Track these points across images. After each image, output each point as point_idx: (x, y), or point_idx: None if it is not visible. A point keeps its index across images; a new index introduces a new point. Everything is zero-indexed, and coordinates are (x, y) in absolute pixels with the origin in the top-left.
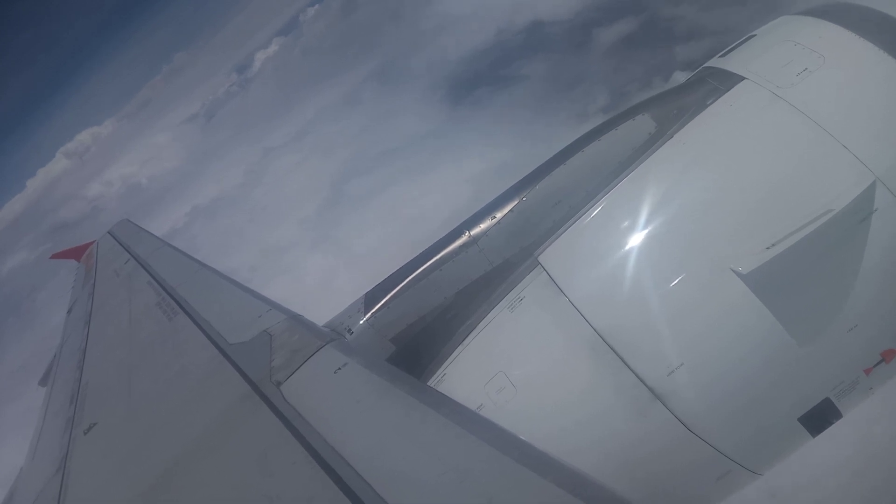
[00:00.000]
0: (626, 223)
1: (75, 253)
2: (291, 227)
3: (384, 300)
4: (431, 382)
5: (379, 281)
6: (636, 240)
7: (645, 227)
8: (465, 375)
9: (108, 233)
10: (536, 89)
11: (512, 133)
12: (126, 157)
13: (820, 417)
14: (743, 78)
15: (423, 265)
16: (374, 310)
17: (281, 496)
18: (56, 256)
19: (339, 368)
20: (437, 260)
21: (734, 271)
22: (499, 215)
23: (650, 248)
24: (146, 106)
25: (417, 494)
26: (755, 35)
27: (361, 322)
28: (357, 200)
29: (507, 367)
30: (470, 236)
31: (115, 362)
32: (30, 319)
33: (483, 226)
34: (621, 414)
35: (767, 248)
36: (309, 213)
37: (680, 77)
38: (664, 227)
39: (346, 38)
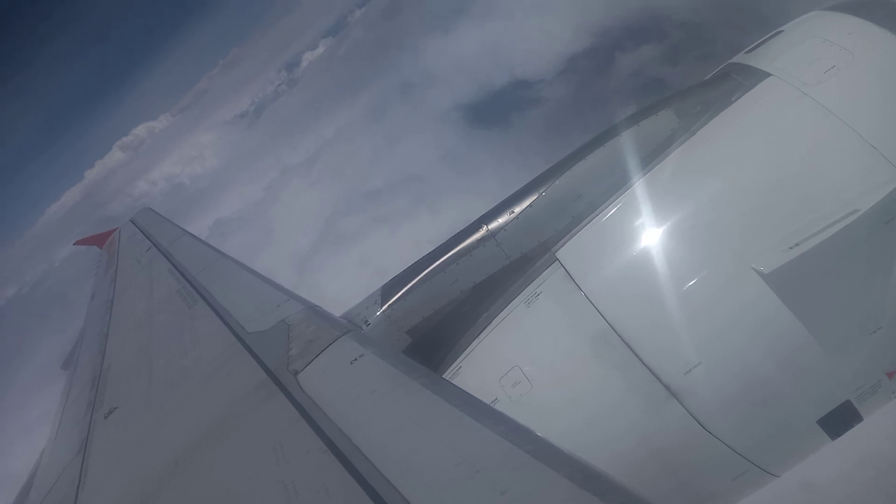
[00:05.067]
0: (646, 220)
1: (98, 240)
2: (283, 262)
3: (401, 292)
4: (447, 375)
5: (396, 273)
6: (656, 236)
7: (665, 224)
8: (480, 369)
9: (130, 221)
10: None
11: (497, 187)
12: (174, 155)
13: (840, 420)
14: (769, 74)
15: (440, 258)
16: (390, 302)
17: (295, 483)
18: (79, 243)
19: (356, 359)
20: (454, 253)
21: (756, 270)
22: (517, 210)
23: (670, 245)
24: (200, 101)
25: (431, 485)
26: (782, 31)
27: (378, 314)
28: (341, 242)
29: (523, 362)
30: (488, 230)
31: (135, 348)
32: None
33: (501, 220)
34: (636, 411)
35: (790, 247)
36: (298, 248)
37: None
38: (684, 224)
39: (381, 49)
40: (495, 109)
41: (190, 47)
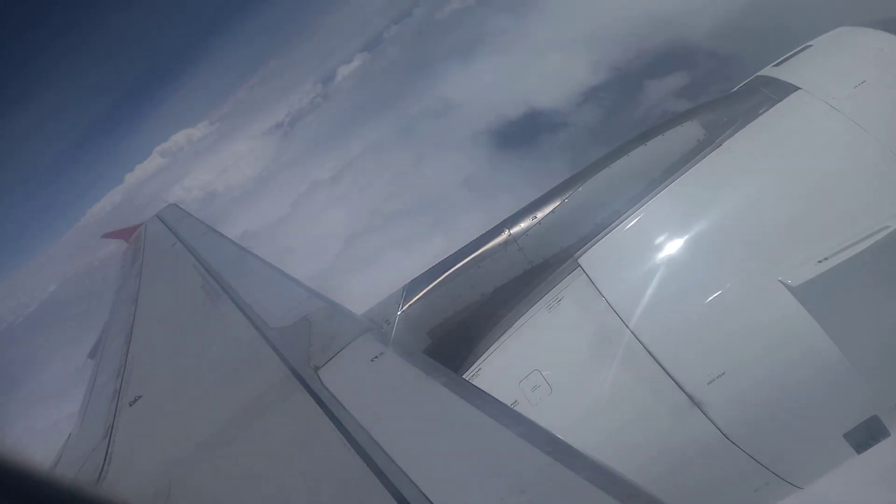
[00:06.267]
0: (670, 229)
1: (125, 234)
2: (303, 275)
3: (422, 293)
4: (467, 376)
5: (419, 273)
6: (680, 246)
7: (689, 234)
8: (500, 371)
9: (156, 216)
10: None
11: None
12: (210, 163)
13: (866, 435)
14: (797, 88)
15: (462, 261)
16: (412, 301)
17: (315, 474)
18: (107, 236)
19: (376, 357)
20: (476, 256)
21: (783, 283)
22: (540, 215)
23: (694, 254)
24: (238, 110)
25: (450, 483)
26: (811, 45)
27: (399, 313)
28: (360, 262)
29: (543, 366)
30: (510, 235)
31: (159, 340)
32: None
33: (524, 225)
34: (657, 419)
35: (819, 261)
36: (317, 264)
37: None
38: (710, 234)
39: (413, 68)
40: (519, 134)
41: (230, 56)
